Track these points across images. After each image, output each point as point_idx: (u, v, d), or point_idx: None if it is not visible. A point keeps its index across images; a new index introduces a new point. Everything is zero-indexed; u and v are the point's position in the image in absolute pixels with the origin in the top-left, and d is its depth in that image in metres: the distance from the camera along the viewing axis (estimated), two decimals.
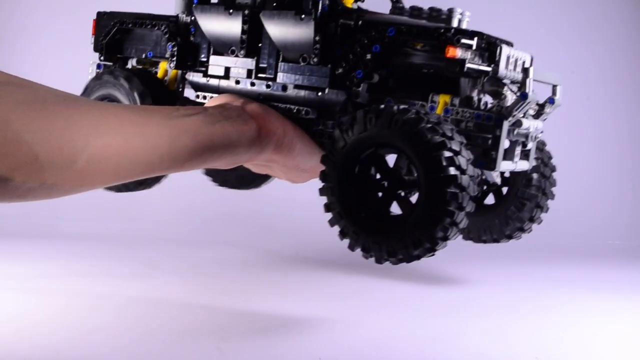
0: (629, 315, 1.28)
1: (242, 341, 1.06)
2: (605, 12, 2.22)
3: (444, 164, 0.92)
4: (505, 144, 1.04)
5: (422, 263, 1.76)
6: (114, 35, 1.40)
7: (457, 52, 1.02)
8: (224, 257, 1.74)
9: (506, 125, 1.03)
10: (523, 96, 1.03)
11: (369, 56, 1.09)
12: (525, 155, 1.12)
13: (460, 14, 1.22)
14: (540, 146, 1.35)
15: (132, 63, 1.43)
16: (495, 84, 1.08)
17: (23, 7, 2.30)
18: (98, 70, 1.43)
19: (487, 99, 1.11)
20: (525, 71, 1.04)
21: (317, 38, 1.12)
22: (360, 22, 1.11)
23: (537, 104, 1.12)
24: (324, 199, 1.04)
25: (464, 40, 1.02)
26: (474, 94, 1.08)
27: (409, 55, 1.09)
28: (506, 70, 1.06)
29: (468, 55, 1.03)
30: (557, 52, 2.18)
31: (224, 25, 1.22)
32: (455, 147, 0.94)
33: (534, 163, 1.22)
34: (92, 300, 1.27)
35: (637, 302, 1.38)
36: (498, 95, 1.07)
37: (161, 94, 1.32)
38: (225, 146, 0.95)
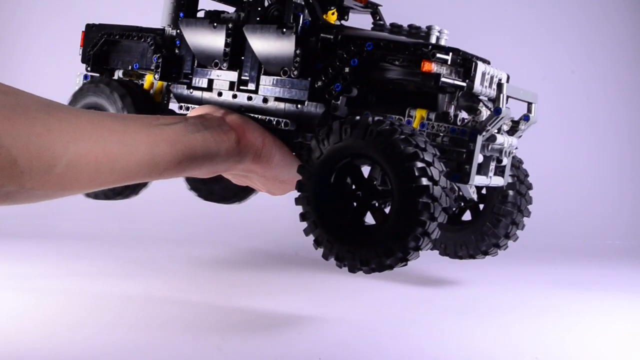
0: (629, 315, 1.28)
1: (242, 341, 1.06)
2: (605, 12, 2.22)
3: (417, 174, 0.94)
4: (479, 159, 1.07)
5: (422, 264, 1.76)
6: (101, 46, 1.43)
7: (433, 67, 1.04)
8: (223, 257, 1.74)
9: (480, 139, 1.05)
10: (497, 111, 1.04)
11: (347, 70, 1.11)
12: (500, 171, 1.14)
13: (439, 31, 1.25)
14: (517, 164, 1.36)
15: (118, 74, 1.45)
16: (470, 99, 1.09)
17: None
18: (85, 81, 1.44)
19: (464, 115, 1.13)
20: (499, 87, 1.05)
21: (297, 51, 1.14)
22: (339, 37, 1.14)
23: (512, 121, 1.14)
24: (299, 209, 1.05)
25: (439, 55, 1.05)
26: (451, 110, 1.10)
27: (386, 70, 1.11)
28: (481, 86, 1.08)
29: (443, 70, 1.05)
30: (557, 52, 2.18)
31: (208, 39, 1.25)
32: (428, 158, 0.96)
33: (509, 180, 1.24)
34: (91, 300, 1.27)
35: (637, 302, 1.38)
36: (473, 111, 1.09)
37: (147, 104, 1.35)
38: (204, 155, 0.97)
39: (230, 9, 1.41)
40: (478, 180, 1.07)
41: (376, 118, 1.00)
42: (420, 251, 0.98)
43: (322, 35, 1.16)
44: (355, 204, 1.04)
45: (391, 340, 1.06)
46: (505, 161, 1.14)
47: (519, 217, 1.33)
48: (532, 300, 1.36)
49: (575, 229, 2.08)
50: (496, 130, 1.08)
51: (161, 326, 1.13)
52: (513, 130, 1.14)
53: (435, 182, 0.95)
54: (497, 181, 1.13)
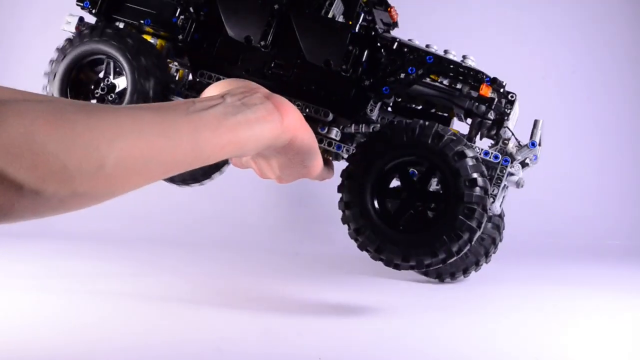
0: (629, 315, 1.28)
1: (242, 341, 1.06)
2: (606, 12, 2.22)
3: (479, 184, 1.03)
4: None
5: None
6: None
7: (489, 92, 1.12)
8: (223, 256, 1.74)
9: (509, 167, 1.12)
10: (532, 144, 1.13)
11: (402, 76, 1.16)
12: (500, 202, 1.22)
13: (472, 59, 1.29)
14: (502, 214, 1.44)
15: (121, 25, 1.32)
16: (499, 129, 1.17)
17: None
18: (79, 24, 1.32)
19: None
20: (535, 123, 1.16)
21: (350, 47, 1.16)
22: (397, 44, 1.18)
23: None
24: (336, 198, 1.11)
25: (498, 82, 1.13)
26: (473, 136, 1.17)
27: (435, 87, 1.18)
28: (513, 118, 1.17)
29: (496, 96, 1.13)
30: (557, 52, 2.19)
31: (246, 12, 1.21)
32: (485, 172, 1.05)
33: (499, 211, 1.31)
34: (90, 300, 1.25)
35: (637, 302, 1.38)
36: (500, 139, 1.17)
37: (159, 63, 1.26)
38: (248, 137, 0.94)
39: None
40: (496, 206, 1.15)
41: (441, 126, 1.07)
42: (458, 256, 1.06)
43: (379, 41, 1.19)
44: (401, 200, 1.10)
45: (392, 340, 1.06)
46: (506, 192, 1.22)
47: (482, 261, 1.44)
48: (531, 300, 1.37)
49: (575, 229, 2.08)
50: (520, 162, 1.17)
51: (161, 326, 1.13)
52: (522, 165, 1.22)
53: (488, 194, 1.04)
54: (497, 210, 1.20)
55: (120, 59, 1.24)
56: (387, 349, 1.03)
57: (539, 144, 1.18)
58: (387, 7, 1.29)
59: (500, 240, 1.45)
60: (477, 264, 1.45)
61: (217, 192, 1.80)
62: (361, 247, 1.10)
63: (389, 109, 1.26)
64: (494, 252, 1.45)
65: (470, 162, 1.04)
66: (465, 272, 1.46)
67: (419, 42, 1.26)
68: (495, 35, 2.20)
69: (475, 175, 1.03)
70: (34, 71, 2.13)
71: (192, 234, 1.99)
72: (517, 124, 1.23)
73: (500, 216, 1.44)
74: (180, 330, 1.10)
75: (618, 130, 2.25)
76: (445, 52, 1.25)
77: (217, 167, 1.47)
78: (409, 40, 1.29)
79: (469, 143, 1.07)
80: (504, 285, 1.49)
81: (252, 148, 0.98)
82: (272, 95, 1.05)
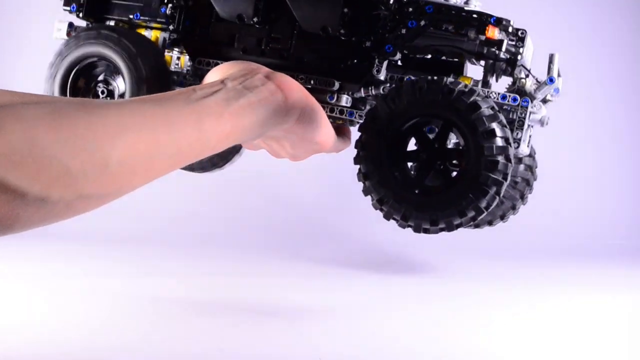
0: (629, 315, 1.28)
1: (242, 341, 1.06)
2: (606, 11, 2.21)
3: (498, 134, 0.98)
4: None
5: (427, 260, 1.77)
6: None
7: (496, 33, 1.06)
8: (223, 256, 1.74)
9: (531, 107, 1.07)
10: (550, 80, 1.08)
11: (403, 31, 1.10)
12: (528, 142, 1.16)
13: (475, 3, 1.23)
14: (533, 153, 1.39)
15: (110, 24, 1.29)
16: (515, 68, 1.12)
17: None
18: (70, 30, 1.29)
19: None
20: (551, 57, 1.10)
21: (346, 10, 1.12)
22: (396, 2, 1.12)
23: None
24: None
25: (504, 22, 1.07)
26: (489, 78, 1.12)
27: (441, 36, 1.12)
28: (526, 55, 1.12)
29: (505, 37, 1.07)
30: (557, 51, 2.17)
31: None
32: (503, 120, 1.00)
33: (528, 152, 1.26)
34: (90, 300, 1.25)
35: (638, 302, 1.38)
36: (517, 79, 1.12)
37: (157, 58, 1.24)
38: (252, 121, 0.92)
39: None
40: (523, 147, 1.09)
41: (450, 79, 1.01)
42: (487, 211, 1.00)
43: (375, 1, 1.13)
44: (420, 162, 1.05)
45: (392, 341, 1.06)
46: (531, 131, 1.17)
47: (519, 204, 1.36)
48: (531, 299, 1.36)
49: (575, 229, 2.07)
50: (542, 100, 1.11)
51: (161, 326, 1.13)
52: (544, 101, 1.17)
53: (509, 143, 0.99)
54: (526, 151, 1.15)
55: (118, 62, 1.24)
56: (388, 349, 1.03)
57: (559, 76, 1.13)
58: None
59: (535, 179, 1.41)
60: (514, 208, 1.41)
61: (218, 192, 1.80)
62: (387, 217, 1.04)
63: (399, 64, 1.20)
64: (530, 193, 1.41)
65: (486, 112, 0.99)
66: (503, 217, 1.42)
67: None
68: None
69: (493, 125, 0.98)
70: (33, 67, 2.13)
71: (192, 234, 1.99)
72: (533, 63, 1.17)
73: (531, 155, 1.37)
74: (181, 330, 1.10)
75: (618, 130, 2.24)
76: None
77: (236, 149, 1.42)
78: None
79: (482, 92, 1.02)
80: (502, 285, 1.49)
81: (258, 132, 0.96)
82: (273, 73, 1.03)
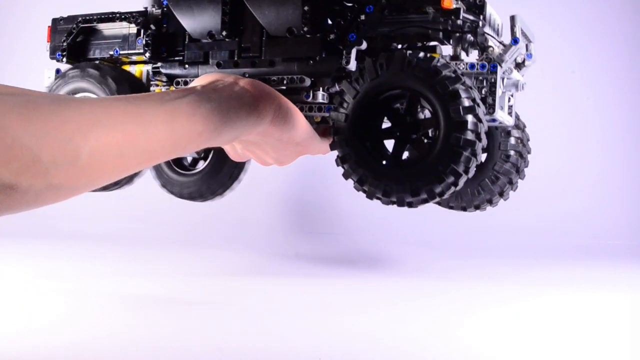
0: (629, 315, 1.28)
1: (242, 341, 1.06)
2: (606, 12, 2.21)
3: (463, 95, 0.97)
4: (499, 91, 1.08)
5: (426, 261, 1.77)
6: (76, 36, 1.37)
7: (452, 2, 1.06)
8: (224, 256, 1.74)
9: (500, 71, 1.06)
10: (515, 41, 1.07)
11: (362, 17, 1.11)
12: (509, 111, 1.16)
13: None
14: (522, 126, 1.38)
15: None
16: (480, 37, 1.12)
17: None
18: (57, 76, 1.37)
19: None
20: (513, 19, 1.09)
21: (305, 8, 1.13)
22: None
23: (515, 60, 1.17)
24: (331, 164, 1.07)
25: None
26: (458, 51, 1.12)
27: (401, 18, 1.12)
28: (489, 26, 1.12)
29: (462, 6, 1.07)
30: (558, 52, 2.18)
31: (201, 10, 1.22)
32: (468, 82, 0.99)
33: (514, 121, 1.26)
34: (91, 300, 1.25)
35: (637, 302, 1.38)
36: (484, 48, 1.11)
37: (138, 87, 1.30)
38: (223, 122, 0.93)
39: None
40: (500, 114, 1.09)
41: (409, 50, 1.01)
42: (468, 175, 0.99)
43: None
44: (395, 138, 1.05)
45: (392, 341, 1.06)
46: (512, 101, 1.17)
47: (516, 178, 1.35)
48: (531, 299, 1.36)
49: (575, 229, 2.07)
50: (512, 64, 1.11)
51: (161, 326, 1.13)
52: (518, 67, 1.17)
53: (477, 104, 0.98)
54: (509, 120, 1.15)
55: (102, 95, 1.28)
56: (388, 349, 1.03)
57: (529, 40, 1.13)
58: None
59: (529, 152, 1.39)
60: (512, 183, 1.39)
61: None
62: (369, 196, 1.04)
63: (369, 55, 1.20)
64: (526, 166, 1.39)
65: (447, 75, 0.98)
66: (502, 194, 1.40)
67: None
68: None
69: (456, 87, 0.97)
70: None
71: (192, 234, 1.99)
72: (504, 33, 1.17)
73: (519, 127, 1.36)
74: (181, 329, 1.10)
75: (618, 130, 2.24)
76: None
77: (234, 176, 1.50)
78: None
79: (443, 59, 1.02)
80: (501, 285, 1.49)
81: (230, 133, 0.97)
82: (243, 79, 1.05)
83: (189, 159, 1.57)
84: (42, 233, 1.82)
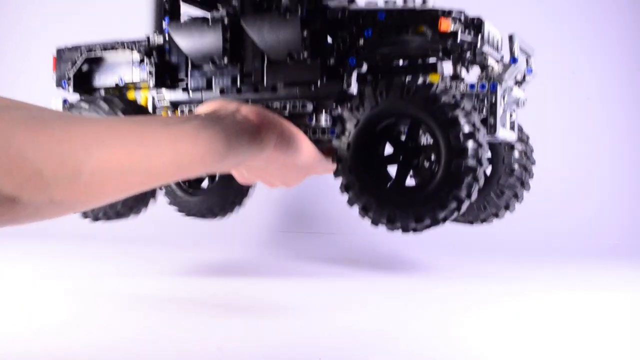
0: (629, 315, 1.29)
1: (242, 341, 1.07)
2: (606, 11, 2.22)
3: (462, 122, 0.98)
4: (500, 110, 1.09)
5: (426, 260, 1.77)
6: (81, 66, 1.39)
7: (450, 25, 1.08)
8: (223, 256, 1.74)
9: (500, 90, 1.07)
10: (513, 60, 1.09)
11: (361, 42, 1.13)
12: (511, 126, 1.17)
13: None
14: (525, 139, 1.38)
15: (100, 92, 1.42)
16: (479, 56, 1.13)
17: None
18: (65, 106, 1.40)
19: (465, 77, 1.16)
20: (511, 38, 1.10)
21: (305, 34, 1.15)
22: (347, 13, 1.15)
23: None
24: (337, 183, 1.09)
25: (454, 15, 1.08)
26: (458, 71, 1.13)
27: (399, 39, 1.14)
28: (488, 42, 1.13)
29: (459, 28, 1.09)
30: (558, 52, 2.19)
31: (202, 38, 1.25)
32: (467, 106, 1.00)
33: (517, 135, 1.26)
34: (91, 300, 1.25)
35: (637, 302, 1.38)
36: (484, 66, 1.13)
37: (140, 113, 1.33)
38: (227, 148, 0.94)
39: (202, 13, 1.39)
40: (502, 132, 1.09)
41: (408, 77, 1.03)
42: (471, 199, 1.00)
43: (328, 13, 1.17)
44: (397, 165, 1.07)
45: (392, 341, 1.07)
46: (514, 116, 1.18)
47: (521, 191, 1.36)
48: (531, 299, 1.36)
49: (575, 229, 2.08)
50: (512, 81, 1.12)
51: (162, 326, 1.13)
52: (519, 83, 1.18)
53: (477, 130, 0.99)
54: (511, 136, 1.15)
55: None
56: (387, 349, 1.03)
57: (528, 55, 1.14)
58: None
59: (533, 163, 1.37)
60: (517, 196, 1.37)
61: None
62: (374, 222, 1.05)
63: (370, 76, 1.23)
64: (531, 178, 1.37)
65: (446, 101, 1.00)
66: (508, 208, 1.40)
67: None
68: None
69: (455, 113, 0.98)
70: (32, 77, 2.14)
71: (192, 234, 2.00)
72: (504, 45, 1.19)
73: (523, 140, 1.37)
74: (181, 329, 1.10)
75: (618, 130, 2.24)
76: (405, 0, 1.21)
77: (237, 201, 1.59)
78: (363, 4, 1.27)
79: (444, 85, 1.03)
80: (501, 285, 1.49)
81: (233, 160, 0.98)
82: (246, 106, 1.06)
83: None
84: (43, 233, 1.83)
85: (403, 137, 1.07)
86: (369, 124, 1.05)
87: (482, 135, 1.00)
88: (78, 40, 1.47)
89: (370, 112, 1.04)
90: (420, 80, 1.02)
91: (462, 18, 1.11)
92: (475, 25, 1.11)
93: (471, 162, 0.98)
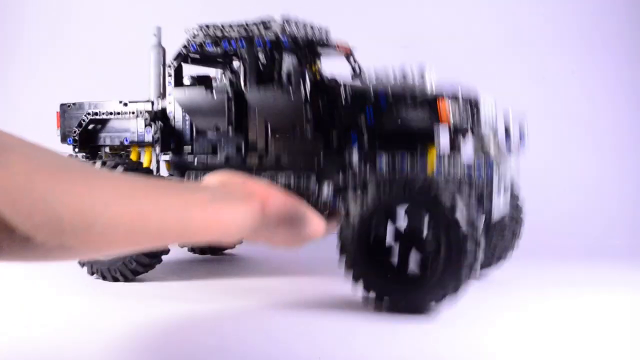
0: (629, 315, 1.29)
1: (242, 341, 1.07)
2: (606, 12, 2.21)
3: (462, 222, 1.05)
4: (496, 189, 1.18)
5: None
6: (87, 125, 1.43)
7: (450, 117, 1.14)
8: (224, 258, 1.75)
9: (497, 171, 1.16)
10: (509, 149, 1.17)
11: (362, 118, 1.19)
12: (505, 191, 1.25)
13: (430, 71, 1.29)
14: (517, 193, 1.46)
15: (105, 150, 1.46)
16: (478, 136, 1.21)
17: None
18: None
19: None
20: (507, 130, 1.17)
21: (307, 110, 1.21)
22: (349, 92, 1.21)
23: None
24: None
25: (453, 105, 1.15)
26: (457, 144, 1.19)
27: (401, 122, 1.22)
28: (485, 122, 1.20)
29: (457, 116, 1.15)
30: (557, 52, 2.18)
31: (207, 106, 1.29)
32: (462, 203, 1.06)
33: (508, 208, 1.31)
34: (92, 300, 1.26)
35: (637, 302, 1.38)
36: (482, 145, 1.20)
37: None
38: (232, 221, 0.95)
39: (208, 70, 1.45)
40: (497, 213, 1.18)
41: (410, 176, 1.10)
42: (469, 280, 1.10)
43: (331, 93, 1.23)
44: (399, 251, 1.14)
45: (392, 341, 1.07)
46: (508, 188, 1.26)
47: (514, 241, 1.47)
48: (532, 299, 1.36)
49: (575, 229, 2.08)
50: (507, 163, 1.20)
51: (162, 326, 1.13)
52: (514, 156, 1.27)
53: (473, 225, 1.06)
54: (505, 211, 1.23)
55: None
56: (387, 349, 1.03)
57: (521, 138, 1.20)
58: (334, 47, 1.34)
59: (519, 238, 1.46)
60: (512, 248, 1.48)
61: None
62: (391, 311, 1.15)
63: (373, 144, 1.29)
64: (523, 225, 1.46)
65: (447, 203, 1.07)
66: (497, 262, 1.50)
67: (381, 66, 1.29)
68: (495, 36, 2.20)
69: (456, 216, 1.05)
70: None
71: None
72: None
73: (514, 195, 1.42)
74: (181, 329, 1.11)
75: (617, 130, 2.24)
76: (404, 74, 1.26)
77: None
78: (357, 76, 1.34)
79: (443, 178, 1.10)
80: (502, 285, 1.49)
81: (235, 231, 1.00)
82: (252, 182, 1.08)
83: None
84: None
85: (405, 226, 1.14)
86: (372, 216, 1.11)
87: (480, 234, 1.07)
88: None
89: (373, 204, 1.11)
90: (421, 181, 1.08)
91: (461, 102, 1.17)
92: (473, 107, 1.18)
93: (470, 257, 1.06)
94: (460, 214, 1.05)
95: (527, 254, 1.65)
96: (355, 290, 1.17)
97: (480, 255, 1.08)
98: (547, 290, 1.46)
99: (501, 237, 1.44)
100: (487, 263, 1.46)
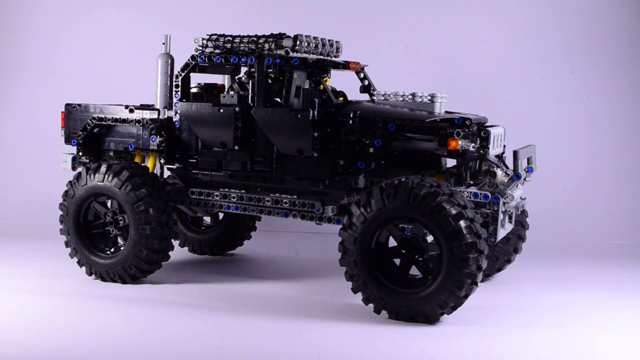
0: (629, 315, 1.29)
1: (242, 341, 1.07)
2: (605, 12, 2.21)
3: (465, 232, 1.05)
4: (501, 217, 1.17)
5: None
6: (92, 129, 1.41)
7: (459, 145, 1.14)
8: (224, 258, 1.73)
9: (502, 203, 1.15)
10: (517, 176, 1.15)
11: (371, 150, 1.18)
12: (509, 218, 1.24)
13: (441, 97, 1.27)
14: (524, 214, 1.46)
15: (109, 154, 1.45)
16: (485, 163, 1.22)
17: None
18: (74, 163, 1.44)
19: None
20: (515, 155, 1.15)
21: (315, 134, 1.19)
22: (357, 118, 1.20)
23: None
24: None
25: (463, 134, 1.14)
26: (463, 171, 1.19)
27: (408, 146, 1.23)
28: (493, 150, 1.20)
29: (466, 144, 1.15)
30: (557, 52, 2.18)
31: (213, 122, 1.27)
32: (470, 215, 1.06)
33: (512, 225, 1.30)
34: (93, 301, 1.25)
35: (637, 302, 1.39)
36: (489, 173, 1.21)
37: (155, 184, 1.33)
38: None
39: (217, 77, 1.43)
40: (500, 234, 1.18)
41: (415, 181, 1.08)
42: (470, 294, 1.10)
43: (339, 117, 1.21)
44: (399, 260, 1.14)
45: (392, 340, 1.08)
46: (514, 214, 1.26)
47: (513, 256, 1.46)
48: (532, 299, 1.37)
49: (575, 229, 2.08)
50: (513, 192, 1.19)
51: (162, 326, 1.13)
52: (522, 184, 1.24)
53: (479, 236, 1.06)
54: (508, 229, 1.23)
55: (124, 205, 1.32)
56: (387, 349, 1.04)
57: (528, 169, 1.19)
58: (345, 66, 1.32)
59: (518, 253, 1.48)
60: (510, 261, 1.48)
61: None
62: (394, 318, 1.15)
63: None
64: (527, 229, 1.48)
65: (451, 211, 1.07)
66: (500, 269, 1.50)
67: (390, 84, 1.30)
68: (495, 36, 2.19)
69: (459, 224, 1.05)
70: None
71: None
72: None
73: (521, 237, 1.46)
74: (181, 329, 1.11)
75: (617, 130, 2.23)
76: (413, 95, 1.25)
77: (236, 244, 1.68)
78: (372, 96, 1.33)
79: (448, 190, 1.09)
80: (502, 285, 1.49)
81: None
82: None
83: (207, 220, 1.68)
84: (43, 233, 1.82)
85: (407, 234, 1.14)
86: (375, 223, 1.11)
87: (483, 245, 1.07)
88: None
89: (377, 212, 1.10)
90: (426, 188, 1.07)
91: (471, 132, 1.16)
92: (482, 137, 1.17)
93: (472, 268, 1.05)
94: (464, 223, 1.05)
95: (525, 253, 1.66)
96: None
97: (484, 263, 1.08)
98: (546, 290, 1.47)
99: (506, 240, 1.43)
100: (493, 269, 1.46)
